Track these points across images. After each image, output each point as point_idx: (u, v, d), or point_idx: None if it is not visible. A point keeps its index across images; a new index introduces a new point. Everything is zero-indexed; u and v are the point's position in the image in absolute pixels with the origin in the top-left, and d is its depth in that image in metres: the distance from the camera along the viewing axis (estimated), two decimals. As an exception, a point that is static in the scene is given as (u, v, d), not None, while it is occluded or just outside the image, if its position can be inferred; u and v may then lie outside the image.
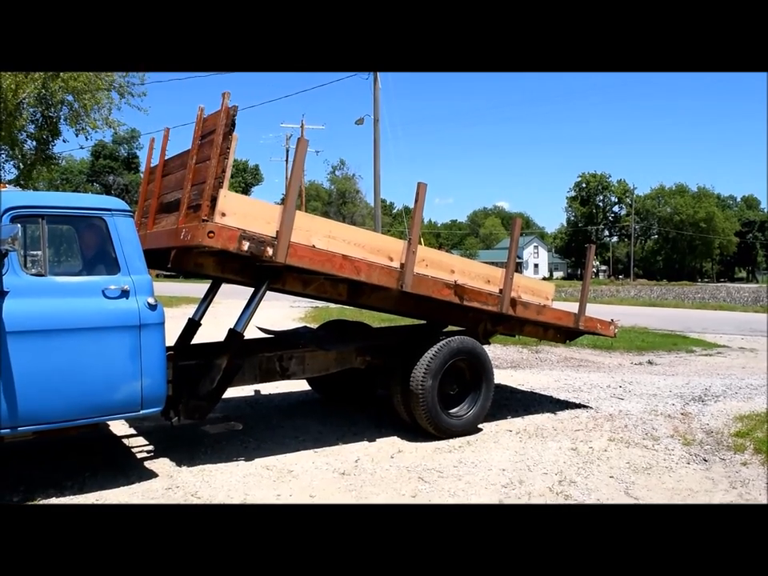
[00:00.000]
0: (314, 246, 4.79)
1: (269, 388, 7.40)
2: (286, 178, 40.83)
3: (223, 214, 4.39)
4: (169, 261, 5.00)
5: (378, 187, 21.41)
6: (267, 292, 5.19)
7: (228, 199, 4.46)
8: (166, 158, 5.69)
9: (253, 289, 5.20)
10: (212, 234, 4.29)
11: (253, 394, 7.34)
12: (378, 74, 21.17)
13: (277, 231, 4.58)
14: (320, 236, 4.85)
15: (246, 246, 4.42)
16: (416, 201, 5.36)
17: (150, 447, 5.41)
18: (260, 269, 5.08)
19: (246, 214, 4.52)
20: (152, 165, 6.05)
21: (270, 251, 4.52)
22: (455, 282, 5.60)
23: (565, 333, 7.13)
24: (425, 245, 7.16)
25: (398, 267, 5.24)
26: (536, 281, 7.13)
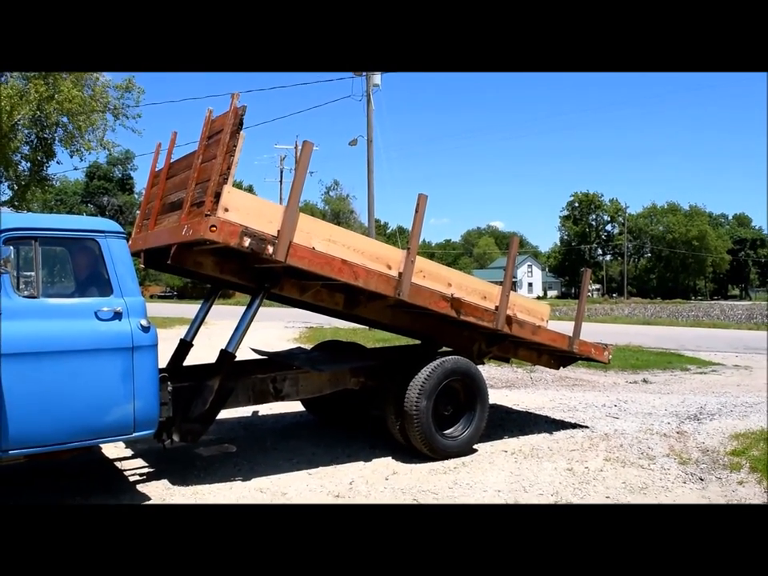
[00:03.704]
0: (314, 249, 4.79)
1: (263, 409, 7.36)
2: (281, 199, 40.96)
3: (226, 210, 4.40)
4: (169, 258, 4.96)
5: (372, 207, 21.47)
6: (260, 310, 5.18)
7: (232, 195, 4.47)
8: (171, 161, 5.70)
9: (245, 306, 5.20)
10: (214, 228, 4.29)
11: (247, 415, 7.29)
12: (371, 94, 21.33)
13: (278, 230, 4.58)
14: (320, 239, 4.86)
15: (246, 242, 4.42)
16: (416, 211, 5.38)
17: (143, 470, 5.36)
18: (258, 272, 5.08)
19: (249, 211, 4.54)
20: (157, 169, 6.04)
21: (270, 249, 4.52)
22: (452, 294, 5.60)
23: (559, 358, 7.11)
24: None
25: (396, 276, 5.23)
26: (532, 301, 7.13)
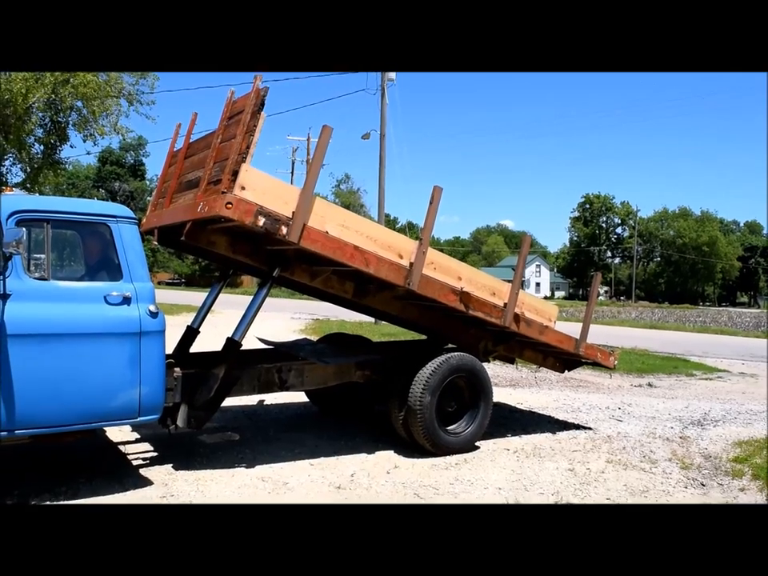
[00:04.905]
0: (327, 233, 4.80)
1: (267, 399, 7.39)
2: (291, 189, 40.88)
3: (243, 188, 4.41)
4: (182, 234, 4.97)
5: (382, 201, 21.42)
6: (267, 301, 5.19)
7: (249, 174, 4.48)
8: (190, 141, 5.71)
9: (252, 296, 5.22)
10: (230, 206, 4.30)
11: (251, 404, 7.32)
12: (385, 89, 21.26)
13: (293, 212, 4.59)
14: (334, 224, 4.87)
15: (261, 221, 4.44)
16: (430, 203, 5.37)
17: (146, 455, 5.40)
18: (270, 254, 5.09)
19: (265, 191, 4.55)
20: (175, 149, 6.06)
21: (284, 230, 4.53)
22: (461, 288, 5.58)
23: (564, 361, 7.09)
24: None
25: (407, 266, 5.22)
26: (541, 300, 7.10)
